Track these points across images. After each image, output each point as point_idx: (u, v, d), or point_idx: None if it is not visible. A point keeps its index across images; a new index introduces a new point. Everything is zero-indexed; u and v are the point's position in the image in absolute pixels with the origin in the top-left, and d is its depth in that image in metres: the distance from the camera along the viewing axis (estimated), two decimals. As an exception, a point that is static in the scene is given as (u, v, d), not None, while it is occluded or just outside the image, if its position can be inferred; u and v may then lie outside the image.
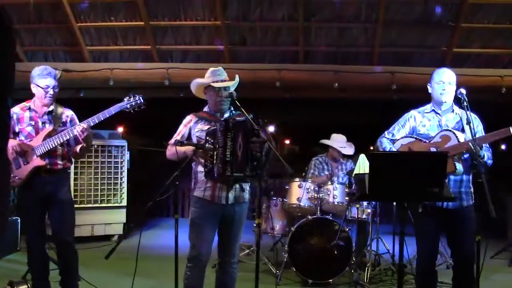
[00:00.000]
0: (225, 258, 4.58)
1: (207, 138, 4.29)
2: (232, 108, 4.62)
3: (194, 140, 4.49)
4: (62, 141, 4.86)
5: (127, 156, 9.52)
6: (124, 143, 9.33)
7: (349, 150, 7.56)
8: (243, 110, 4.31)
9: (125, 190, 9.33)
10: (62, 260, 5.13)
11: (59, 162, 4.99)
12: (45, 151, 4.85)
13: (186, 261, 4.44)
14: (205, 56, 8.93)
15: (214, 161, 4.23)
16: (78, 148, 5.02)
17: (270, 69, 8.51)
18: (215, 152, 4.23)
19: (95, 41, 8.94)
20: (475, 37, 8.47)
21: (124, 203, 9.29)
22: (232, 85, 4.60)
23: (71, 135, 4.84)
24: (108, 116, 4.84)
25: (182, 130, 4.60)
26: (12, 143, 4.83)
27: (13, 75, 1.90)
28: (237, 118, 4.39)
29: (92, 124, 4.82)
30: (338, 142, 7.58)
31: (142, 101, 4.88)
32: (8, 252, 7.76)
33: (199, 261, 4.41)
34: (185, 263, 4.44)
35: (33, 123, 4.99)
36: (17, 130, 4.98)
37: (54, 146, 4.85)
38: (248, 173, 4.24)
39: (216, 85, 4.51)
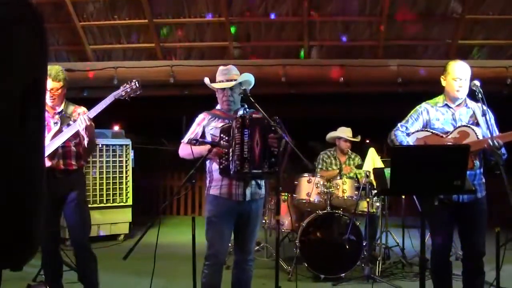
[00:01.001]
0: (242, 256, 4.56)
1: (222, 135, 4.26)
2: (246, 106, 4.60)
3: (209, 138, 4.45)
4: (66, 139, 4.73)
5: (131, 155, 9.50)
6: (128, 142, 9.29)
7: (356, 138, 7.57)
8: (257, 106, 4.29)
9: (130, 189, 9.30)
10: (79, 261, 5.05)
11: (73, 162, 4.89)
12: (50, 152, 4.71)
13: (203, 259, 4.41)
14: (209, 53, 8.90)
15: (230, 158, 4.20)
16: (85, 142, 4.81)
17: (275, 65, 8.48)
18: (230, 149, 4.20)
19: (98, 40, 8.92)
20: (480, 29, 8.46)
21: (130, 202, 9.26)
22: (244, 82, 4.57)
23: (72, 131, 4.70)
24: (104, 106, 4.65)
25: (195, 129, 4.56)
26: None
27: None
28: (253, 115, 4.38)
29: (91, 116, 4.63)
30: (345, 132, 7.59)
31: (138, 85, 4.65)
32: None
33: (217, 259, 4.38)
34: (202, 262, 4.41)
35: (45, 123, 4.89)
36: None
37: (59, 145, 4.72)
38: (266, 170, 4.22)
39: (215, 85, 4.53)
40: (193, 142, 4.43)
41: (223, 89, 4.50)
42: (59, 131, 4.79)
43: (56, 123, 4.88)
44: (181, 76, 8.36)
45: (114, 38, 8.87)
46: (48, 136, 4.78)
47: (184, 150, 4.52)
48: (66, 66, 8.59)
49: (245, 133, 4.18)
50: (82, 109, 4.97)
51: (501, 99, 8.67)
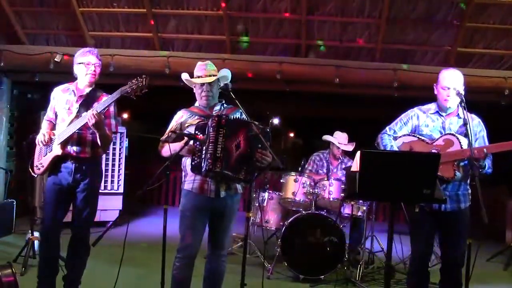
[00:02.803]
0: (215, 250, 4.57)
1: (196, 132, 4.25)
2: (223, 101, 4.61)
3: None
4: (76, 128, 4.63)
5: (125, 143, 9.51)
6: (123, 130, 9.30)
7: (348, 147, 7.53)
8: (237, 102, 4.28)
9: (122, 177, 9.32)
10: (72, 249, 4.93)
11: (88, 150, 4.79)
12: (63, 139, 4.67)
13: (175, 251, 4.42)
14: (206, 46, 8.86)
15: (203, 156, 4.19)
16: (97, 136, 4.70)
17: (271, 62, 8.44)
18: (203, 147, 4.19)
19: (97, 27, 8.88)
20: (480, 37, 8.39)
21: (121, 190, 9.30)
22: (221, 78, 4.58)
23: (82, 123, 4.60)
24: (111, 101, 4.55)
25: (173, 126, 4.58)
26: (41, 132, 4.79)
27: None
28: (233, 116, 4.41)
29: (98, 111, 4.49)
30: (339, 138, 7.55)
31: (145, 83, 4.41)
32: (3, 235, 7.77)
33: (188, 253, 4.39)
34: (174, 254, 4.41)
35: (67, 106, 4.83)
36: (54, 113, 4.90)
37: (70, 133, 4.65)
38: (241, 176, 4.21)
39: (194, 80, 4.53)
40: (171, 134, 4.46)
41: (202, 84, 4.51)
42: (76, 117, 4.71)
43: (77, 108, 4.80)
44: (177, 67, 8.32)
45: (113, 25, 8.84)
46: (66, 121, 4.75)
47: (162, 148, 4.50)
48: (65, 50, 8.66)
49: (221, 132, 4.16)
50: (106, 96, 4.76)
51: (499, 110, 8.65)
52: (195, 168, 4.25)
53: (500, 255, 8.08)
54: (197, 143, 4.21)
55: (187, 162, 4.43)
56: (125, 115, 11.79)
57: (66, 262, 4.97)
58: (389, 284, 3.63)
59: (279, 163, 4.14)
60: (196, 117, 4.49)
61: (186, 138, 4.25)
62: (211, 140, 4.15)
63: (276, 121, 10.43)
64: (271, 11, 8.37)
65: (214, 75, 4.54)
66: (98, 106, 4.55)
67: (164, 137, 4.54)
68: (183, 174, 4.54)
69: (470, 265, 4.00)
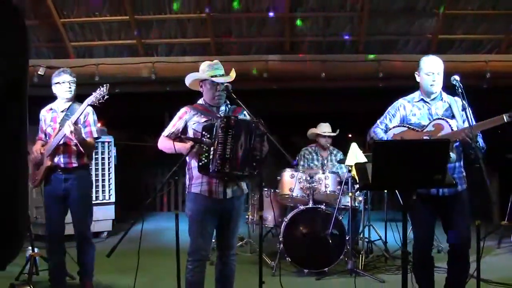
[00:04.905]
0: (224, 251, 4.59)
1: (203, 132, 4.23)
2: (228, 102, 4.61)
3: (190, 133, 4.42)
4: (57, 141, 5.09)
5: (113, 151, 9.44)
6: (110, 138, 9.24)
7: (332, 134, 7.63)
8: (240, 103, 4.30)
9: (113, 186, 9.25)
10: (79, 248, 5.37)
11: (74, 160, 5.24)
12: (50, 151, 5.14)
13: (186, 256, 4.42)
14: (191, 49, 8.87)
15: (211, 157, 4.20)
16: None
17: (257, 60, 8.48)
18: (211, 148, 4.20)
19: (79, 37, 8.83)
20: (459, 24, 8.54)
21: (113, 199, 9.21)
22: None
23: (62, 134, 5.05)
24: (81, 112, 5.02)
25: (176, 123, 4.52)
26: (35, 150, 5.30)
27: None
28: (240, 117, 4.40)
29: (72, 122, 4.95)
30: (322, 128, 7.65)
31: (105, 91, 4.90)
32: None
33: (199, 256, 4.40)
34: (186, 258, 4.42)
35: (52, 124, 5.33)
36: (43, 132, 5.40)
37: (54, 146, 5.10)
38: (246, 173, 4.27)
39: (216, 80, 4.44)
40: (177, 137, 4.45)
41: (217, 84, 4.45)
42: (59, 131, 5.13)
43: (59, 123, 5.25)
44: (162, 72, 8.34)
45: (96, 34, 8.80)
46: (52, 136, 5.21)
47: (165, 144, 4.51)
48: (47, 63, 8.58)
49: (230, 133, 4.18)
50: (88, 109, 5.22)
51: (481, 93, 8.80)
52: (203, 169, 4.23)
53: (492, 233, 8.21)
54: (204, 145, 4.22)
55: (192, 163, 4.41)
56: (102, 124, 11.66)
57: (78, 260, 5.43)
58: (406, 271, 3.68)
59: (291, 160, 4.18)
60: (203, 115, 4.45)
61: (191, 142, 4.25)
62: (219, 141, 4.16)
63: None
64: (253, 11, 8.42)
65: (225, 74, 4.52)
66: (72, 118, 5.01)
67: (166, 133, 4.52)
68: (188, 177, 4.49)
69: (479, 246, 4.06)
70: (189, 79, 4.61)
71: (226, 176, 4.29)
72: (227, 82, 4.46)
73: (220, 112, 4.51)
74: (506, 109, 4.19)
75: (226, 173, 4.20)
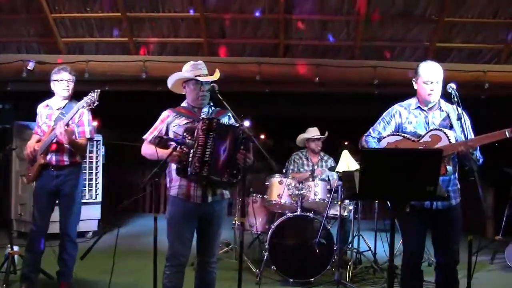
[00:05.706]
0: (205, 258, 4.44)
1: (185, 134, 4.12)
2: (211, 104, 4.48)
3: (171, 136, 4.31)
4: (50, 139, 5.13)
5: (102, 151, 9.30)
6: (99, 137, 9.09)
7: (321, 137, 7.49)
8: (225, 104, 4.15)
9: (100, 186, 9.12)
10: (61, 246, 5.38)
11: (65, 158, 5.28)
12: (43, 149, 5.19)
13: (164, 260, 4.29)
14: (183, 49, 8.73)
15: (190, 159, 4.06)
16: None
17: (250, 63, 8.34)
18: (191, 150, 4.06)
19: (71, 33, 8.69)
20: (458, 32, 8.40)
21: (99, 199, 9.08)
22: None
23: (53, 134, 5.09)
24: (72, 116, 5.04)
25: (158, 126, 4.42)
26: (27, 146, 5.37)
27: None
28: (223, 119, 4.29)
29: (65, 122, 5.00)
30: (311, 132, 7.51)
31: (96, 97, 4.93)
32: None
33: (177, 261, 4.27)
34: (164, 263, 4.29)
35: (47, 121, 5.35)
36: (39, 128, 5.43)
37: (47, 144, 5.14)
38: (225, 180, 4.13)
39: (201, 79, 4.33)
40: (158, 139, 4.34)
41: (201, 83, 4.34)
42: (53, 129, 5.15)
43: (54, 121, 5.27)
44: (153, 71, 8.18)
45: (87, 31, 8.65)
46: (46, 134, 5.23)
47: (147, 150, 4.42)
48: (37, 58, 8.48)
49: (210, 136, 4.05)
50: (83, 109, 5.17)
51: (479, 104, 8.64)
52: (180, 171, 4.12)
53: (484, 248, 8.05)
54: (185, 147, 4.07)
55: (172, 166, 4.28)
56: (96, 123, 11.52)
57: (58, 258, 5.41)
58: (392, 284, 3.51)
59: (273, 164, 4.03)
60: (184, 117, 4.35)
61: (173, 144, 4.10)
62: (200, 144, 4.03)
63: (246, 123, 10.32)
64: (248, 12, 8.27)
65: (208, 74, 4.41)
66: (65, 119, 5.04)
67: (148, 137, 4.42)
68: (168, 179, 4.41)
69: (471, 262, 3.88)
70: (172, 79, 4.49)
71: (203, 179, 4.16)
72: (212, 82, 4.32)
73: (202, 114, 4.39)
74: (504, 120, 4.02)
75: (204, 176, 4.07)
